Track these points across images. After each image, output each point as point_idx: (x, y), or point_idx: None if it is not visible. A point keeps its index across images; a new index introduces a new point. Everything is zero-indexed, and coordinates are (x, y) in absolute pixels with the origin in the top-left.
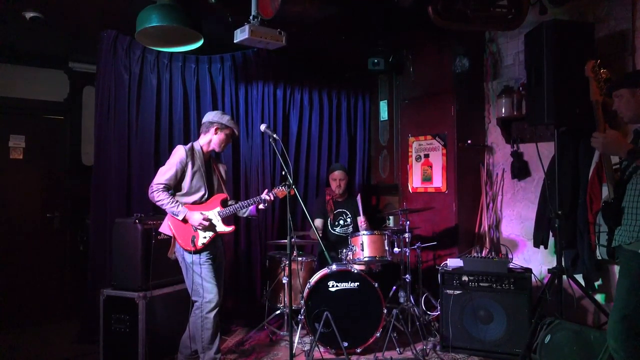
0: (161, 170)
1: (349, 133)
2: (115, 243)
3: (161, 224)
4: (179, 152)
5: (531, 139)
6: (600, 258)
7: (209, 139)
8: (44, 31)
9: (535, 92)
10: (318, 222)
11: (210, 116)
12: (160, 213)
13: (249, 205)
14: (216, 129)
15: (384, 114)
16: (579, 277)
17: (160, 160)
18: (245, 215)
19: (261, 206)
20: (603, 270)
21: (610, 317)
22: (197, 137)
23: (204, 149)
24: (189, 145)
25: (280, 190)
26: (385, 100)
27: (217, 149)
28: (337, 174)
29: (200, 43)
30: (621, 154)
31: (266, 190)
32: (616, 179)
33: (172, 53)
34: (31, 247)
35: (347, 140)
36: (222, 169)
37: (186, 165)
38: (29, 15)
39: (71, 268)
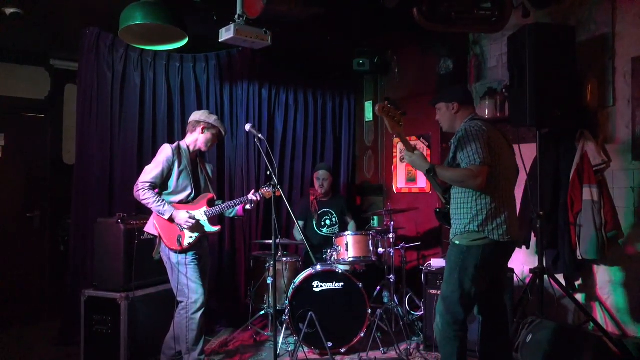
0: (147, 168)
1: (334, 133)
2: (97, 243)
3: (144, 223)
4: (166, 151)
5: (514, 140)
6: (580, 258)
7: (196, 138)
8: (25, 27)
9: (518, 94)
10: (300, 223)
11: (197, 115)
12: (143, 213)
13: (236, 205)
14: (203, 128)
15: (368, 115)
16: (560, 277)
17: (144, 159)
18: (231, 216)
19: (248, 206)
20: (583, 270)
21: (439, 298)
22: (182, 136)
23: (191, 148)
24: (175, 144)
25: (267, 191)
26: (370, 101)
27: (203, 148)
28: (321, 173)
29: (184, 42)
30: (422, 170)
31: (253, 191)
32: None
33: (155, 51)
34: (11, 247)
35: (332, 141)
36: (208, 168)
37: (173, 164)
38: (8, 11)
39: (52, 268)
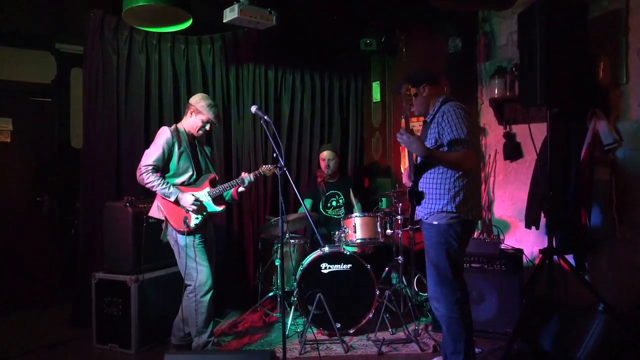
0: (148, 152)
1: (341, 115)
2: (106, 226)
3: (152, 206)
4: (165, 133)
5: (524, 120)
6: (590, 238)
7: (188, 121)
8: (30, 11)
9: (528, 73)
10: (308, 203)
11: (192, 98)
12: (150, 196)
13: (237, 185)
14: (192, 112)
15: (376, 96)
16: (570, 258)
17: (150, 142)
18: (227, 198)
19: (241, 188)
20: (594, 250)
21: (429, 286)
22: None
23: (186, 130)
24: (173, 126)
25: (267, 168)
26: (378, 82)
27: (193, 132)
28: (326, 154)
29: (189, 23)
30: (419, 154)
31: (244, 173)
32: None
33: (160, 33)
34: (20, 231)
35: (339, 122)
36: (207, 150)
37: (172, 145)
38: None
39: (62, 252)
